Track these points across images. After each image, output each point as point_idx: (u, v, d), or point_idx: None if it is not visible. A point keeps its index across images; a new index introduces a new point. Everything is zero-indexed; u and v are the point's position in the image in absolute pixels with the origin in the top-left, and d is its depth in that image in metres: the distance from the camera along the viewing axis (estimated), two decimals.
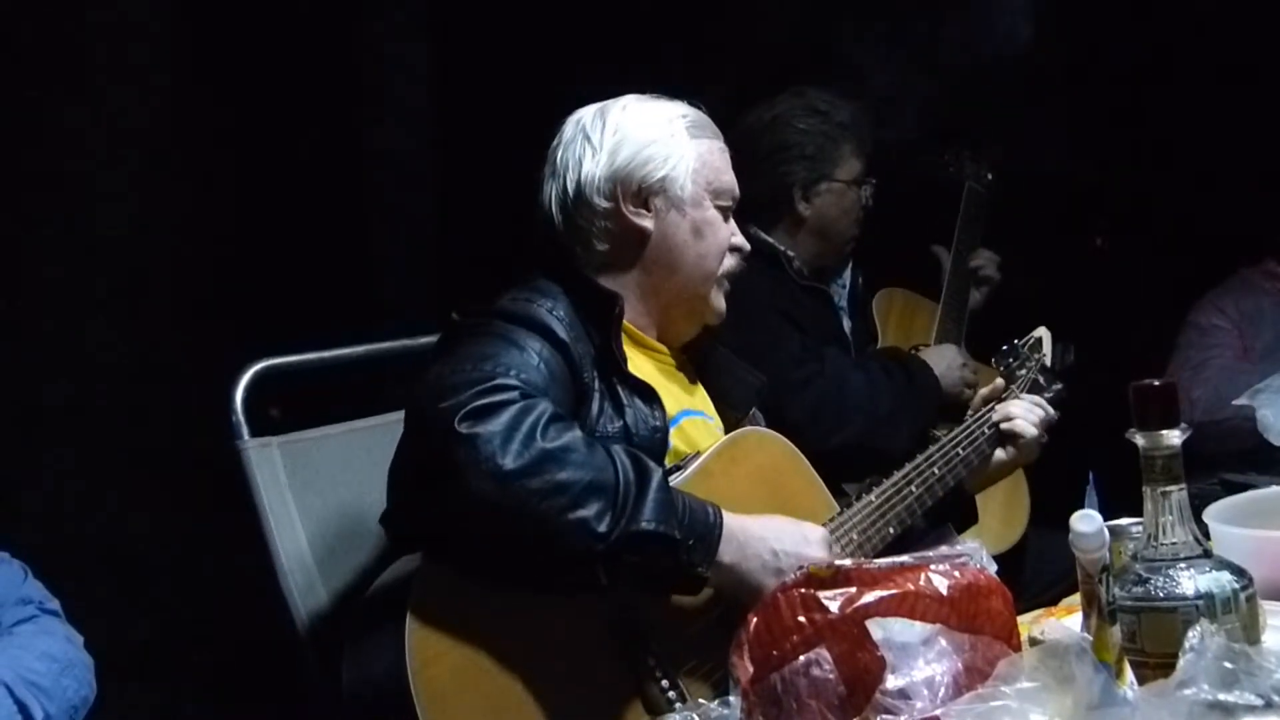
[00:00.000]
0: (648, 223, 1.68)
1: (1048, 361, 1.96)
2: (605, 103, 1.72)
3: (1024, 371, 1.93)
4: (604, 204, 1.67)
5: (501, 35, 3.10)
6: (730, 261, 1.74)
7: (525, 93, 2.89)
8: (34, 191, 2.69)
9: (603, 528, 1.38)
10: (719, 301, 1.74)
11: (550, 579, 1.43)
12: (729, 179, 1.73)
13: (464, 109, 3.12)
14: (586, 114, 1.71)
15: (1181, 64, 3.14)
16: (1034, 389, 1.93)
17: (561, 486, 1.38)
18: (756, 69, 2.97)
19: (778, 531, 1.51)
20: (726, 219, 1.73)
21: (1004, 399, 1.89)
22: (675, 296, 1.71)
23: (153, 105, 2.84)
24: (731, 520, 1.48)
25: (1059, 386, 1.94)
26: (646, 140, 1.67)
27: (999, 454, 1.85)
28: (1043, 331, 2.00)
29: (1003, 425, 1.84)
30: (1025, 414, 1.84)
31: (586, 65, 2.92)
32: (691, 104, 1.74)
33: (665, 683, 1.48)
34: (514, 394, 1.42)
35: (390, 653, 1.40)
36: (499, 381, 1.42)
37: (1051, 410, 1.88)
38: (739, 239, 1.75)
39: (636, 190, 1.67)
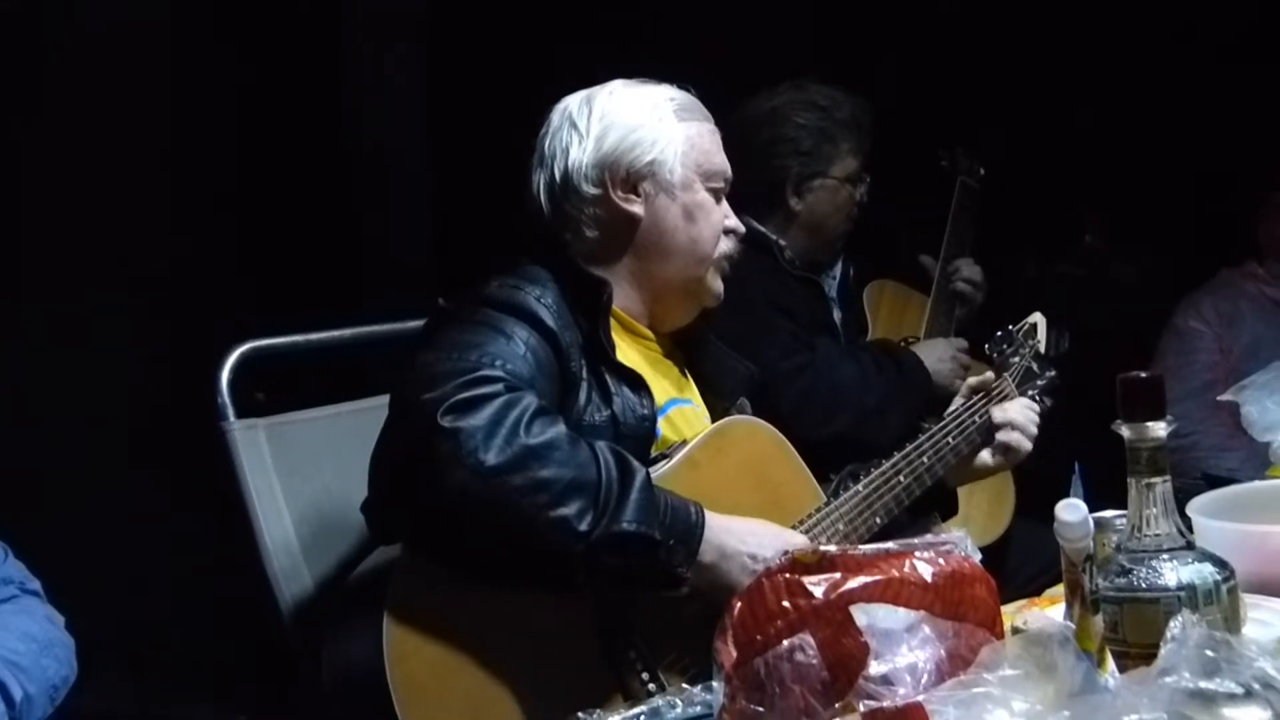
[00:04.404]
0: (637, 208, 1.67)
1: (1042, 348, 1.95)
2: (592, 89, 1.70)
3: (1017, 359, 1.92)
4: (592, 191, 1.66)
5: (494, 19, 3.09)
6: (726, 245, 1.72)
7: (518, 77, 2.89)
8: (21, 171, 2.68)
9: (583, 526, 1.37)
10: (716, 284, 1.73)
11: (529, 576, 1.43)
12: (720, 161, 1.72)
13: (457, 93, 3.11)
14: (573, 101, 1.70)
15: (1173, 58, 3.16)
16: (1027, 376, 1.91)
17: (543, 484, 1.37)
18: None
19: (760, 536, 1.50)
20: (719, 201, 1.72)
21: (997, 389, 1.86)
22: (669, 281, 1.70)
23: (146, 85, 2.82)
24: (715, 521, 1.47)
25: (1053, 373, 1.93)
26: (633, 125, 1.66)
27: (987, 457, 1.82)
28: (1038, 317, 1.98)
29: (999, 435, 1.81)
30: (1026, 425, 1.81)
31: (578, 49, 2.92)
32: (680, 87, 1.72)
33: (646, 675, 1.48)
34: (499, 386, 1.40)
35: (369, 645, 1.40)
36: (484, 373, 1.41)
37: (1038, 417, 1.84)
38: (732, 221, 1.73)
39: (625, 176, 1.66)
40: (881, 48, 3.37)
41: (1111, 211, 3.33)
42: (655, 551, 1.42)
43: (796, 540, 1.53)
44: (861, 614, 1.02)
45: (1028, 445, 1.81)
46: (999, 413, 1.82)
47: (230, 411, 1.77)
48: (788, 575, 1.03)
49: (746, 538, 1.48)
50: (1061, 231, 3.36)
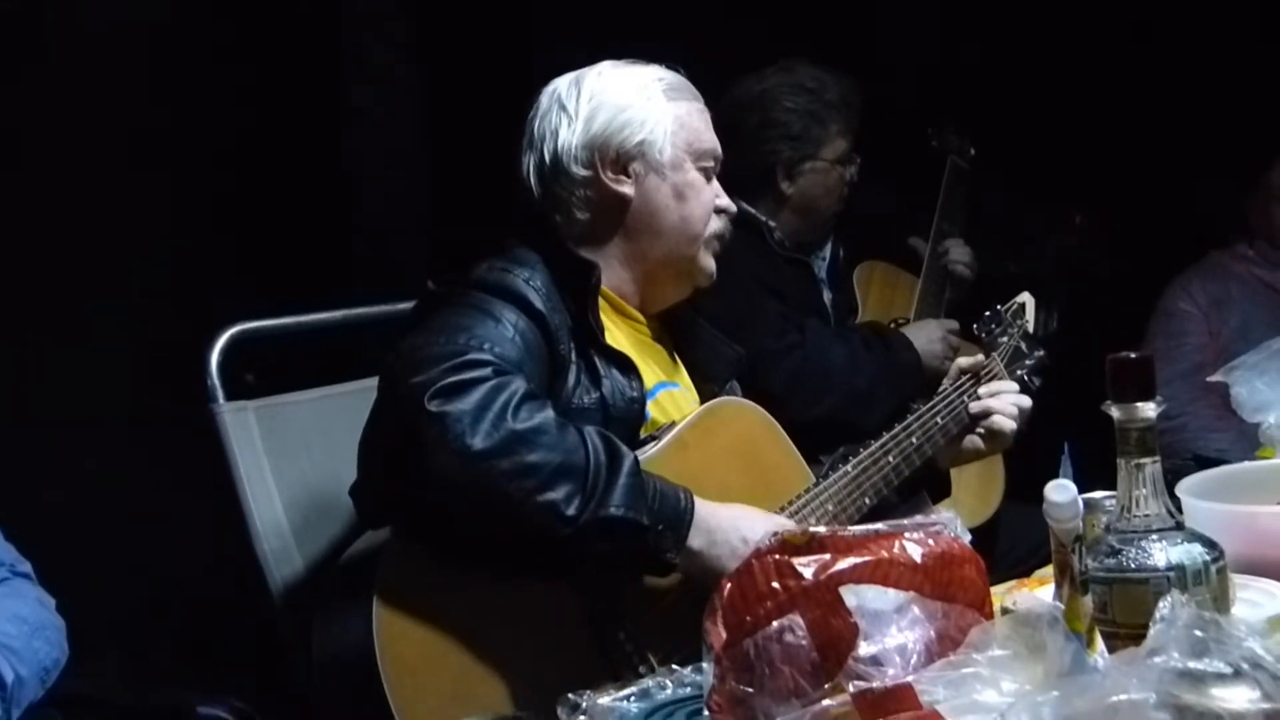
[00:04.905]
0: (627, 189, 1.66)
1: (1030, 328, 1.95)
2: (580, 70, 1.70)
3: (1006, 339, 1.92)
4: (582, 172, 1.65)
5: (494, 17, 3.08)
6: (717, 224, 1.72)
7: (511, 59, 2.88)
8: (21, 170, 2.67)
9: (571, 511, 1.38)
10: (708, 262, 1.72)
11: (518, 560, 1.43)
12: (709, 140, 1.71)
13: (449, 75, 3.10)
14: (562, 83, 1.70)
15: (1161, 42, 3.16)
16: (1015, 356, 1.91)
17: (530, 468, 1.37)
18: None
19: (750, 521, 1.50)
20: (709, 180, 1.72)
21: (986, 370, 1.86)
22: (661, 261, 1.70)
23: (146, 84, 2.81)
24: (703, 507, 1.47)
25: (1041, 353, 1.93)
26: (622, 105, 1.65)
27: (975, 441, 1.82)
28: (1026, 297, 1.98)
29: (981, 424, 1.80)
30: (1004, 408, 1.80)
31: (571, 32, 2.91)
32: (669, 67, 1.72)
33: (635, 657, 1.48)
34: (487, 370, 1.40)
35: (358, 627, 1.40)
36: (472, 357, 1.41)
37: (1029, 401, 1.83)
38: (724, 200, 1.73)
39: (614, 157, 1.65)
40: (873, 26, 3.36)
41: (1100, 194, 3.33)
42: (644, 536, 1.42)
43: (786, 526, 1.53)
44: (851, 595, 1.02)
45: (1009, 425, 1.81)
46: (976, 406, 1.81)
47: (220, 394, 1.77)
48: (777, 556, 1.03)
49: (737, 523, 1.49)
50: (1051, 212, 3.36)
